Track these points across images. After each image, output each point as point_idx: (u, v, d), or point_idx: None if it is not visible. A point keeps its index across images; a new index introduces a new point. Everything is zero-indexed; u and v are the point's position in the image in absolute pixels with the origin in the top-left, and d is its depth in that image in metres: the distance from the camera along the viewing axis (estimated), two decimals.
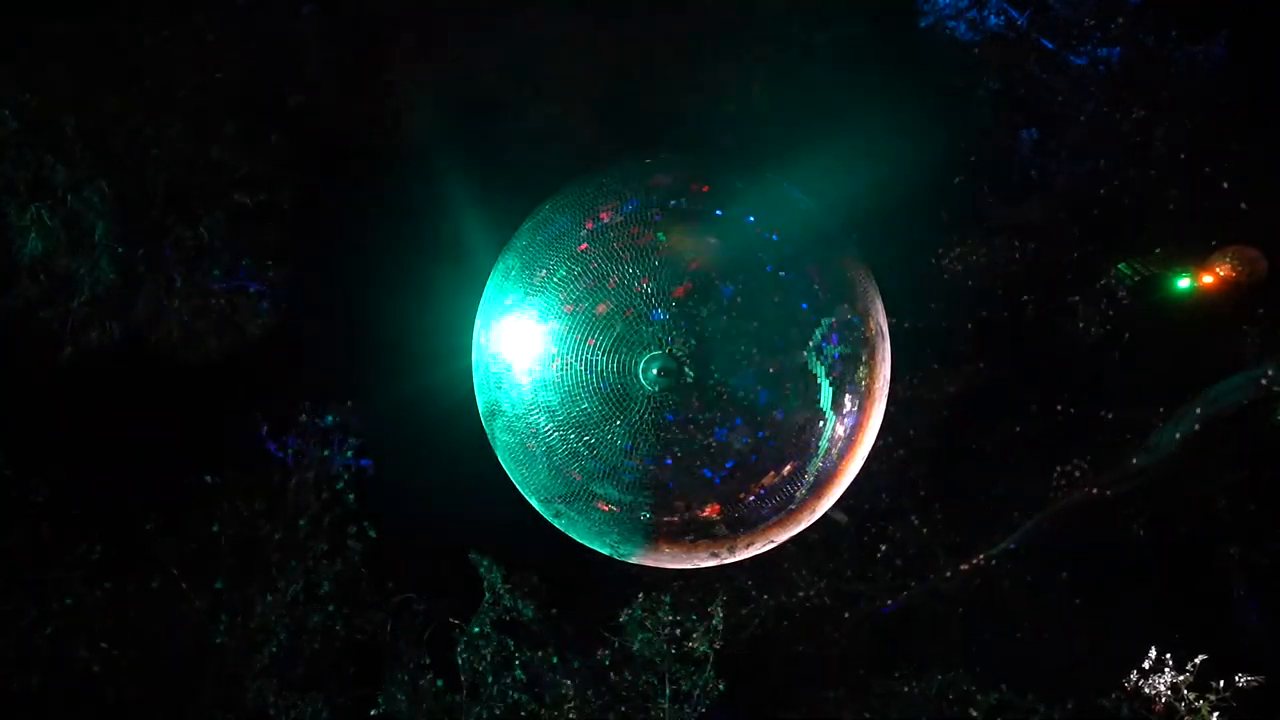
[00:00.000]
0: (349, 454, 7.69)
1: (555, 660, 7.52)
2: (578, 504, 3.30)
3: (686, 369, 2.89)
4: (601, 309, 3.07)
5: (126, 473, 7.39)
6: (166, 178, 7.08)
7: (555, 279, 3.16)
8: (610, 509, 3.22)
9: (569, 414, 3.12)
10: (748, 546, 3.39)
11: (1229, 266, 6.68)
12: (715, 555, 3.41)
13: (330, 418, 7.67)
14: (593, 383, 3.04)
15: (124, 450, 7.36)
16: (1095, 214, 7.48)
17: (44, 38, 6.72)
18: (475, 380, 3.61)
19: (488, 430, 3.63)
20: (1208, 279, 6.77)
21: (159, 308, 7.29)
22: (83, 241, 7.02)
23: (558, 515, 3.49)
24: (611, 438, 3.06)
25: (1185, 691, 6.74)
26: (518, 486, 3.61)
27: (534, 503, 3.57)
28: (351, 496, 7.67)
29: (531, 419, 3.25)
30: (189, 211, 7.25)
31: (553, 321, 3.15)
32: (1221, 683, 6.67)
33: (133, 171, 6.99)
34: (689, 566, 3.56)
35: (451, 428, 7.24)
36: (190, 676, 7.20)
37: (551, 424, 3.17)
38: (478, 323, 3.59)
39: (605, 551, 3.58)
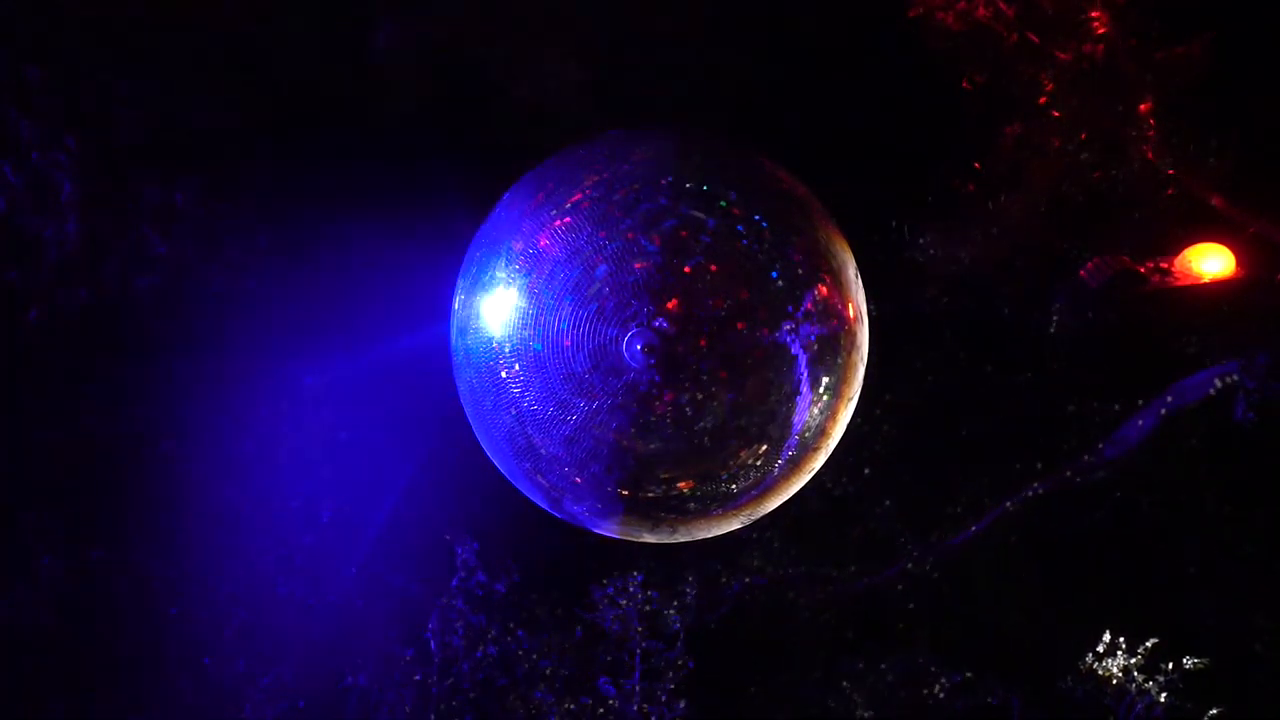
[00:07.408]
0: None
1: (525, 635, 7.54)
2: (680, 509, 3.21)
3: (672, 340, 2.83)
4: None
5: (94, 438, 7.22)
6: (137, 136, 6.85)
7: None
8: (708, 487, 3.14)
9: (607, 449, 3.01)
10: (827, 438, 3.36)
11: (1198, 264, 6.82)
12: (810, 472, 3.40)
13: (304, 387, 7.56)
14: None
15: (92, 414, 7.19)
16: (1075, 209, 7.58)
17: None
18: (521, 488, 3.50)
19: (562, 515, 3.53)
20: (1179, 276, 6.91)
21: (129, 272, 7.10)
22: (49, 201, 6.78)
23: (674, 532, 3.41)
24: (651, 444, 2.97)
25: (1136, 674, 7.00)
26: (623, 538, 3.52)
27: (649, 537, 3.48)
28: (328, 468, 7.59)
29: (582, 472, 3.14)
30: (161, 173, 7.04)
31: (542, 381, 3.00)
32: (1170, 664, 6.94)
33: (102, 128, 6.75)
34: (791, 494, 3.54)
35: (427, 400, 7.19)
36: (155, 647, 7.11)
37: (603, 465, 3.08)
38: (481, 439, 3.45)
39: (736, 526, 3.54)
